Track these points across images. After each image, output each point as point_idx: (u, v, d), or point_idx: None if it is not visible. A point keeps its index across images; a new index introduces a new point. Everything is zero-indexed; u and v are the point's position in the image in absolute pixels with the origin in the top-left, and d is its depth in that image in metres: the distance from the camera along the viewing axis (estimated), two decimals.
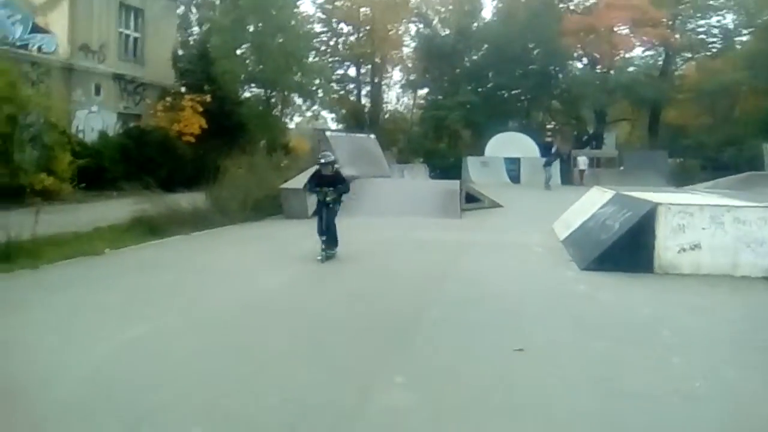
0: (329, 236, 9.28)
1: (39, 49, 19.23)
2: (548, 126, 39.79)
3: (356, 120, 39.34)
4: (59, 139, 16.10)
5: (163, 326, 5.71)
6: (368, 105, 43.56)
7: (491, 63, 37.35)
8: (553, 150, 28.76)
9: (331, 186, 9.35)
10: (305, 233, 10.86)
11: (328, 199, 9.32)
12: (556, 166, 28.28)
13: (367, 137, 22.64)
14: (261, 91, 32.94)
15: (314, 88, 35.13)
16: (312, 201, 14.74)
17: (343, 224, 10.41)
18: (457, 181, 18.45)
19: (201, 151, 21.63)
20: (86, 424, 3.64)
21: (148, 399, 4.00)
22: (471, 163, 31.27)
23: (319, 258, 9.01)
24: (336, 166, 9.86)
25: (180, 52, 26.04)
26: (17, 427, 3.58)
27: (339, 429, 3.66)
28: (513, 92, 38.53)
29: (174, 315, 6.13)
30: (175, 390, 4.17)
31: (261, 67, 30.90)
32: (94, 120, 20.84)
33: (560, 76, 37.54)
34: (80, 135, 19.46)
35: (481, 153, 32.48)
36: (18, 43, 18.51)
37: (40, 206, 10.17)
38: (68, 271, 8.05)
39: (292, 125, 38.82)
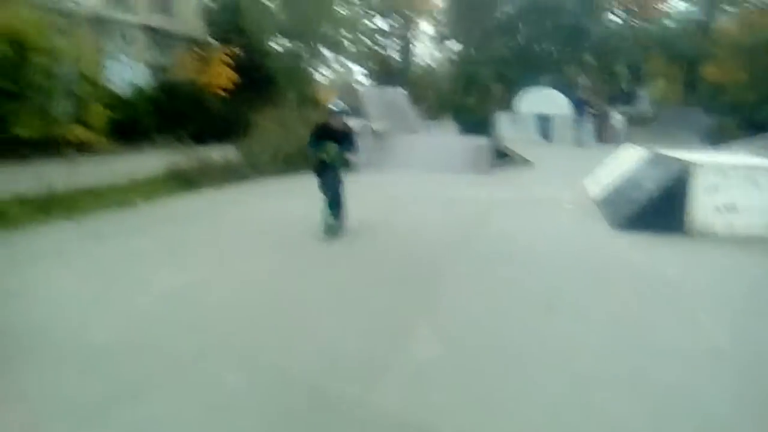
0: (334, 206, 7.73)
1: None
2: (581, 81, 38.97)
3: (385, 74, 38.97)
4: (92, 90, 16.21)
5: (199, 276, 5.84)
6: (398, 59, 43.05)
7: (523, 15, 36.50)
8: (586, 106, 28.22)
9: (336, 141, 7.69)
10: None
11: (330, 156, 7.66)
12: (589, 122, 27.83)
13: (396, 92, 22.46)
14: (290, 43, 32.67)
15: (344, 41, 34.74)
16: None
17: (371, 180, 10.40)
18: (487, 137, 18.32)
19: (231, 104, 21.68)
20: (128, 368, 3.78)
21: (187, 347, 4.13)
22: (501, 119, 30.88)
23: (325, 233, 7.57)
24: (345, 118, 8.05)
25: (209, 3, 25.87)
26: (62, 369, 3.73)
27: (370, 377, 3.76)
28: (545, 46, 37.71)
29: (209, 265, 6.26)
30: (212, 338, 4.30)
31: (290, 19, 30.60)
32: (125, 71, 20.93)
33: (594, 29, 36.60)
34: (111, 86, 19.57)
35: (512, 109, 32.03)
36: None
37: (75, 158, 10.31)
38: (105, 221, 8.24)
39: (321, 79, 38.53)
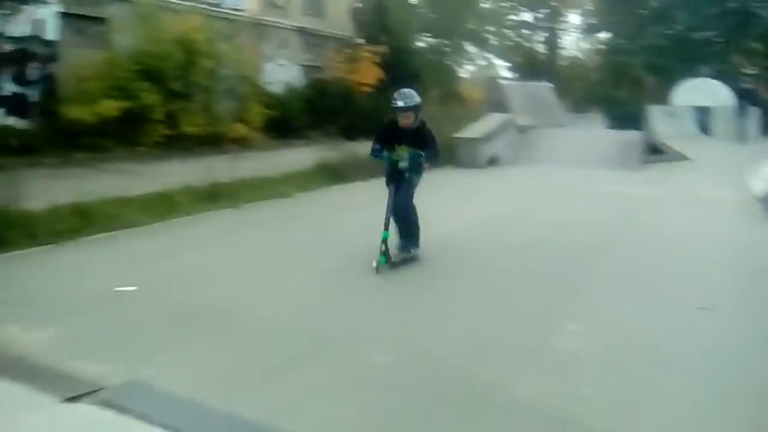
0: (404, 226, 6.16)
1: (231, 6, 20.69)
2: (746, 71, 35.89)
3: (531, 68, 38.15)
4: (251, 90, 17.39)
5: (345, 262, 6.16)
6: (544, 52, 42.00)
7: (681, 1, 34.23)
8: (751, 98, 25.98)
9: (409, 144, 6.01)
10: (477, 183, 11.18)
11: (402, 164, 6.00)
12: (754, 115, 25.61)
13: (542, 85, 22.01)
14: (434, 40, 32.95)
15: (488, 36, 34.50)
16: (488, 150, 14.80)
17: (514, 175, 10.26)
18: (638, 132, 17.50)
19: (377, 100, 22.26)
20: (288, 341, 4.11)
21: (337, 327, 4.42)
22: (655, 113, 29.18)
23: (375, 265, 5.78)
24: (421, 116, 6.12)
25: (358, 5, 26.66)
26: (236, 338, 4.13)
27: (514, 366, 3.83)
28: (706, 34, 35.11)
29: (360, 252, 6.56)
30: (360, 321, 4.57)
31: (434, 15, 30.89)
32: (281, 72, 22.13)
33: (763, 13, 33.53)
34: (268, 86, 20.79)
35: (667, 102, 30.19)
36: (213, 2, 20.01)
37: (236, 153, 11.13)
38: (264, 210, 8.89)
39: (464, 74, 38.51)
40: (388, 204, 6.01)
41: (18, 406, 1.14)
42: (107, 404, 2.25)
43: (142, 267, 5.83)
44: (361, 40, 24.66)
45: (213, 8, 19.08)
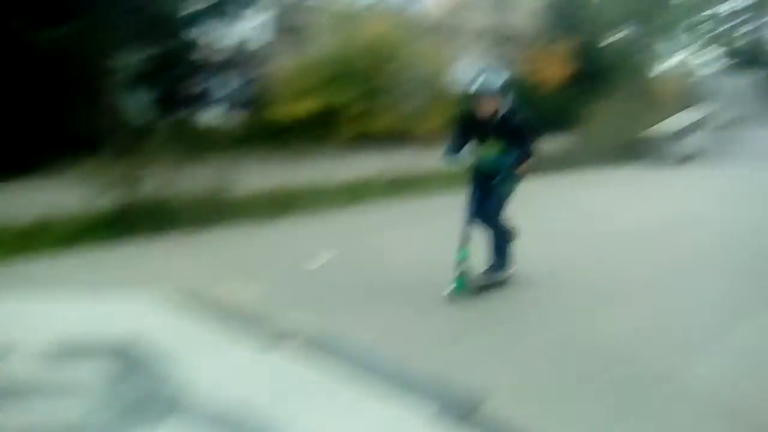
0: (494, 242, 5.02)
1: (419, 8, 21.36)
2: None
3: (739, 60, 34.98)
4: (437, 89, 17.87)
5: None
6: (753, 42, 38.20)
7: None
8: None
9: (495, 139, 4.75)
10: (666, 181, 10.78)
11: (485, 168, 4.80)
12: None
13: (749, 78, 20.23)
14: (627, 33, 31.32)
15: (688, 27, 32.10)
16: (683, 147, 13.91)
17: (712, 172, 9.54)
18: None
19: (565, 97, 21.76)
20: (453, 315, 4.33)
21: (501, 307, 4.58)
22: None
23: (451, 290, 4.71)
24: (510, 102, 4.85)
25: (545, 2, 26.19)
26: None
27: (696, 350, 3.89)
28: None
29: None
30: (524, 303, 4.71)
31: (627, 7, 29.37)
32: (465, 71, 22.42)
33: None
34: (453, 85, 21.17)
35: None
36: (402, 4, 20.80)
37: (421, 148, 11.62)
38: (445, 201, 9.16)
39: (662, 67, 36.20)
40: (465, 217, 4.89)
41: (227, 347, 1.39)
42: (303, 351, 2.61)
43: (337, 243, 6.43)
44: (549, 36, 24.23)
45: (402, 10, 19.87)
